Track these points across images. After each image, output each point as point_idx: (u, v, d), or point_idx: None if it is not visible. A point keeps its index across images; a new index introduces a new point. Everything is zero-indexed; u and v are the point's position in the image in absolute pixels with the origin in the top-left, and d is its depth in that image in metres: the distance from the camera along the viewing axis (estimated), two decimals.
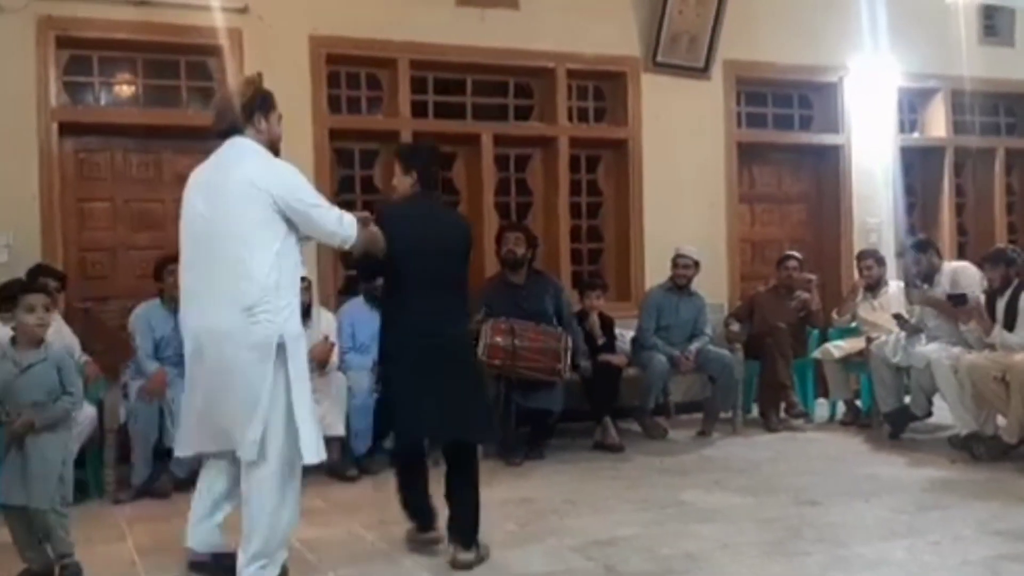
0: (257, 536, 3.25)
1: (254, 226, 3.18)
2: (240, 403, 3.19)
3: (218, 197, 3.25)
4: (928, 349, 5.72)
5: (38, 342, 3.46)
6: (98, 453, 4.90)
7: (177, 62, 6.05)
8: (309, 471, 5.05)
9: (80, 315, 5.65)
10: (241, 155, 3.30)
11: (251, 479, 3.26)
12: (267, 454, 3.22)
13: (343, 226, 3.33)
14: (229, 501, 3.52)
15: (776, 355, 6.43)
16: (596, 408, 5.93)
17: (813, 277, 6.96)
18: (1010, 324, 5.38)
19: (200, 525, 3.51)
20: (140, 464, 4.86)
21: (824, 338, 6.74)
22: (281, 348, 3.20)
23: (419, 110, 6.57)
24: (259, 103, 3.38)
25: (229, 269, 3.18)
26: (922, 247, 6.07)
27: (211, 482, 3.52)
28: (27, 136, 5.53)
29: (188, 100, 6.11)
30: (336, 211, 3.35)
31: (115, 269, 5.96)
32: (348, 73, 6.44)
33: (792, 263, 6.78)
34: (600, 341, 6.09)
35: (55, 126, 5.64)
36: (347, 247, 3.40)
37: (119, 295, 5.82)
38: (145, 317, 5.18)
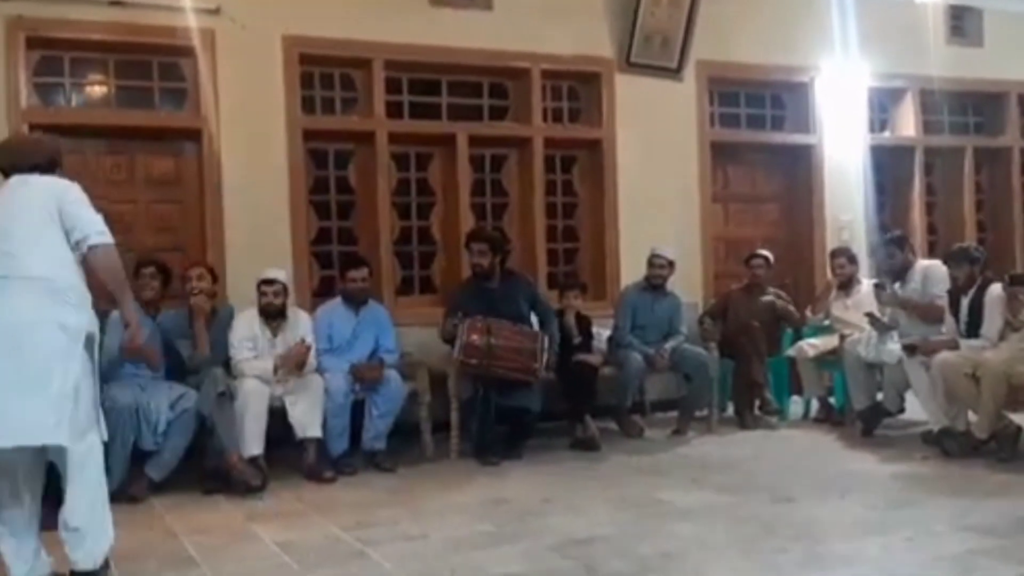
0: (88, 517, 3.33)
1: (55, 225, 3.34)
2: (55, 387, 3.20)
3: (23, 197, 3.39)
4: (900, 346, 5.78)
5: None
6: None
7: (149, 63, 6.00)
8: (284, 473, 5.10)
9: None
10: (43, 179, 3.48)
11: (74, 461, 3.29)
12: (86, 437, 3.32)
13: (104, 229, 3.40)
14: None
15: (750, 353, 6.48)
16: (573, 407, 5.95)
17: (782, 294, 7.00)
18: (975, 322, 5.45)
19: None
20: (115, 467, 4.80)
21: (798, 336, 6.81)
22: (91, 339, 3.35)
23: (394, 111, 6.56)
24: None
25: (40, 256, 3.29)
26: (899, 243, 6.12)
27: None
28: None
29: (160, 101, 6.06)
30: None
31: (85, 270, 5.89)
32: (322, 74, 6.42)
33: (758, 261, 6.83)
34: (577, 340, 6.12)
35: (25, 128, 5.55)
36: (97, 243, 3.34)
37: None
38: (118, 321, 5.13)
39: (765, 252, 6.91)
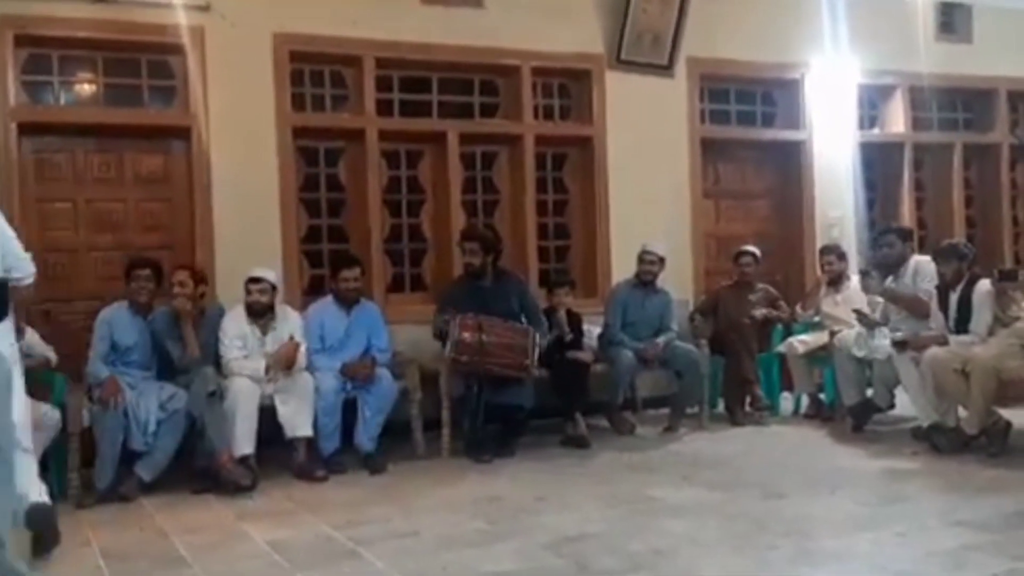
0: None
1: None
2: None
3: None
4: (890, 342, 5.79)
5: None
6: (62, 456, 4.84)
7: (138, 60, 5.97)
8: (275, 472, 5.08)
9: (42, 317, 5.57)
10: None
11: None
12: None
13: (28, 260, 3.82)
14: None
15: (741, 350, 6.50)
16: (565, 405, 5.95)
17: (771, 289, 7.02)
18: (964, 318, 5.47)
19: None
20: (105, 468, 4.80)
21: (788, 333, 6.82)
22: None
23: (384, 108, 6.54)
24: None
25: None
26: (902, 235, 6.13)
27: None
28: None
29: (149, 99, 6.04)
30: None
31: (77, 270, 5.87)
32: (312, 71, 6.40)
33: (746, 259, 6.84)
34: (568, 338, 6.11)
35: (14, 126, 5.54)
36: (32, 281, 3.85)
37: (82, 297, 5.74)
38: (107, 321, 5.14)
39: (753, 249, 6.92)
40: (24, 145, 5.68)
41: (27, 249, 5.50)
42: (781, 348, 6.69)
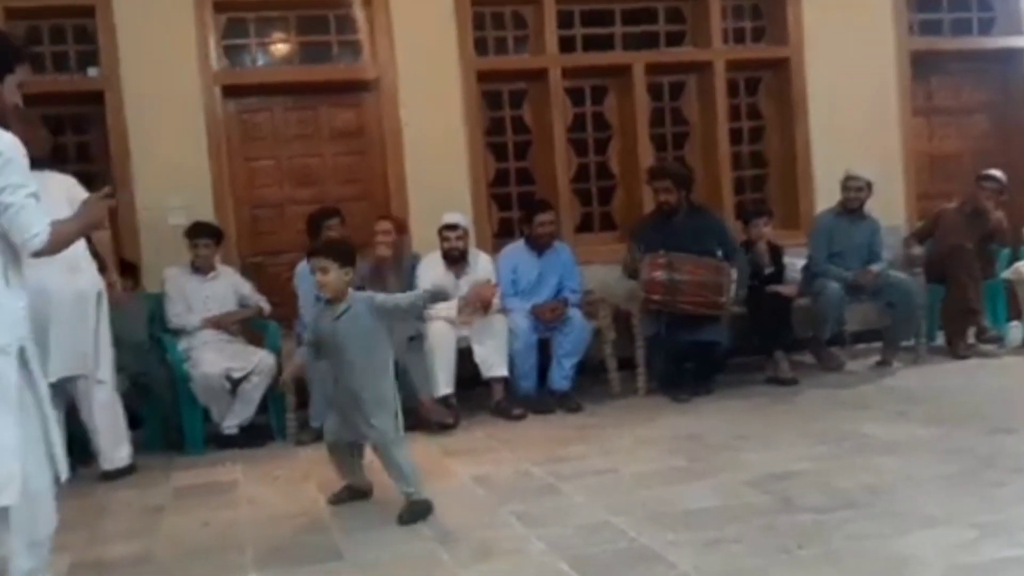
0: None
1: None
2: None
3: None
4: None
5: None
6: (279, 399, 5.11)
7: (326, 17, 6.13)
8: (474, 411, 5.17)
9: (253, 269, 5.90)
10: None
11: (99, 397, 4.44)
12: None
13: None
14: None
15: (964, 277, 6.00)
16: (766, 341, 5.71)
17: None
18: None
19: None
20: (318, 408, 5.03)
21: (1015, 257, 6.24)
22: None
23: (567, 45, 6.43)
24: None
25: None
26: None
27: None
28: (193, 101, 5.75)
29: (339, 54, 6.20)
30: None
31: (282, 224, 6.15)
32: (493, 13, 6.37)
33: (992, 184, 6.25)
34: (768, 271, 5.85)
35: (218, 89, 5.84)
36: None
37: (288, 249, 6.02)
38: (304, 275, 5.31)
39: (999, 174, 6.31)
40: (228, 107, 5.98)
41: (239, 205, 5.99)
42: (1007, 274, 6.13)
